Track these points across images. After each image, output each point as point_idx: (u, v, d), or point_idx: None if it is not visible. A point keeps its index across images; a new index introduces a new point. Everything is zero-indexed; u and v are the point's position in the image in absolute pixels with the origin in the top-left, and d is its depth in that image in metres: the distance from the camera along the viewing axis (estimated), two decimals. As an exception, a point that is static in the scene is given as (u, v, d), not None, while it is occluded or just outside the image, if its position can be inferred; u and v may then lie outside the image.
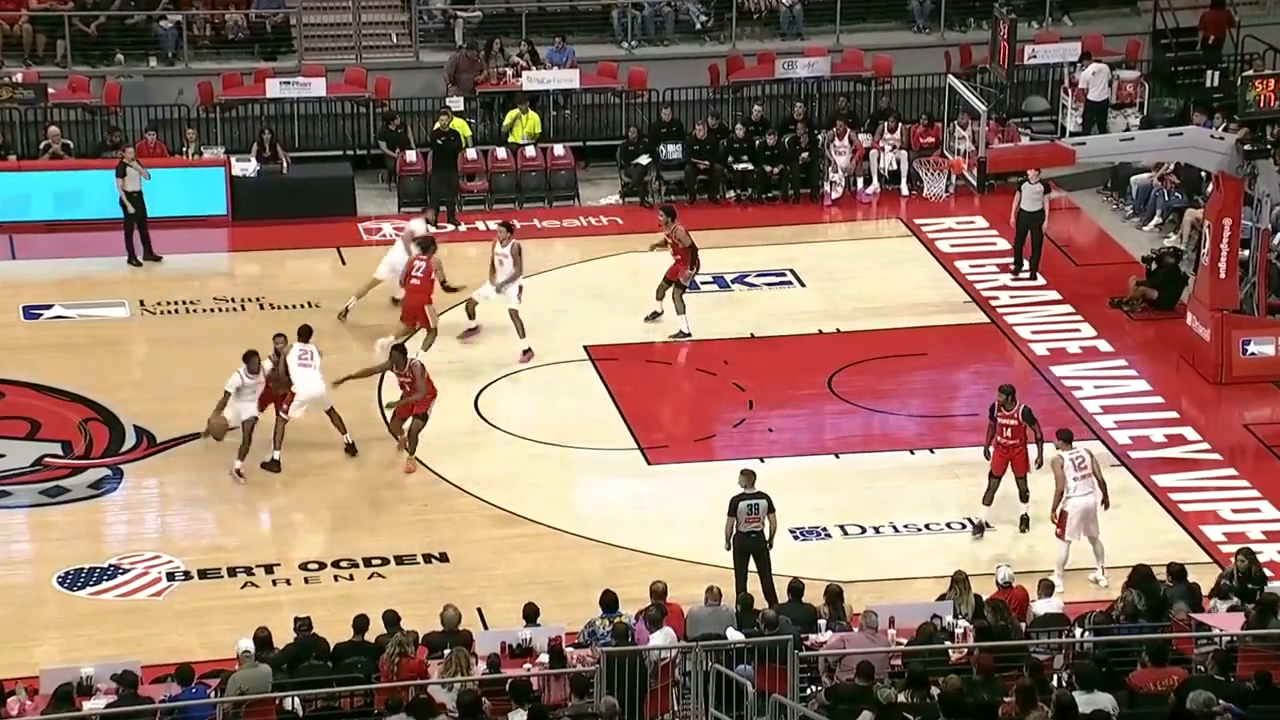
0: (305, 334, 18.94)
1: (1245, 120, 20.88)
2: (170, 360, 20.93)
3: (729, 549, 16.15)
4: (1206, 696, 12.45)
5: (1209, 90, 26.30)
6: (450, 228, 24.30)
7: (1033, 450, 17.22)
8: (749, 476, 16.37)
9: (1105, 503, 16.55)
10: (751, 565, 16.14)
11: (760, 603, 15.43)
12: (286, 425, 18.34)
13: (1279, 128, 23.21)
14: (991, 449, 17.36)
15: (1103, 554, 16.50)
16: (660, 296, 21.15)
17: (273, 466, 18.29)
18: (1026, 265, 22.55)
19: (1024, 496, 17.29)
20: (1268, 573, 15.80)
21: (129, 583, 16.73)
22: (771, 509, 16.16)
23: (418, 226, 21.52)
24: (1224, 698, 12.58)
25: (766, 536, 16.17)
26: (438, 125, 24.55)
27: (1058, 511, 16.47)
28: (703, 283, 22.83)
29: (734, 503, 16.15)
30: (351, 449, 18.59)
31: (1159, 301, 21.96)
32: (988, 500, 17.32)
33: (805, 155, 25.22)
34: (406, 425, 18.27)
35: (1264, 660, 13.58)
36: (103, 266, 23.02)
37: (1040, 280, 22.47)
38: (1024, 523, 17.31)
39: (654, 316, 21.26)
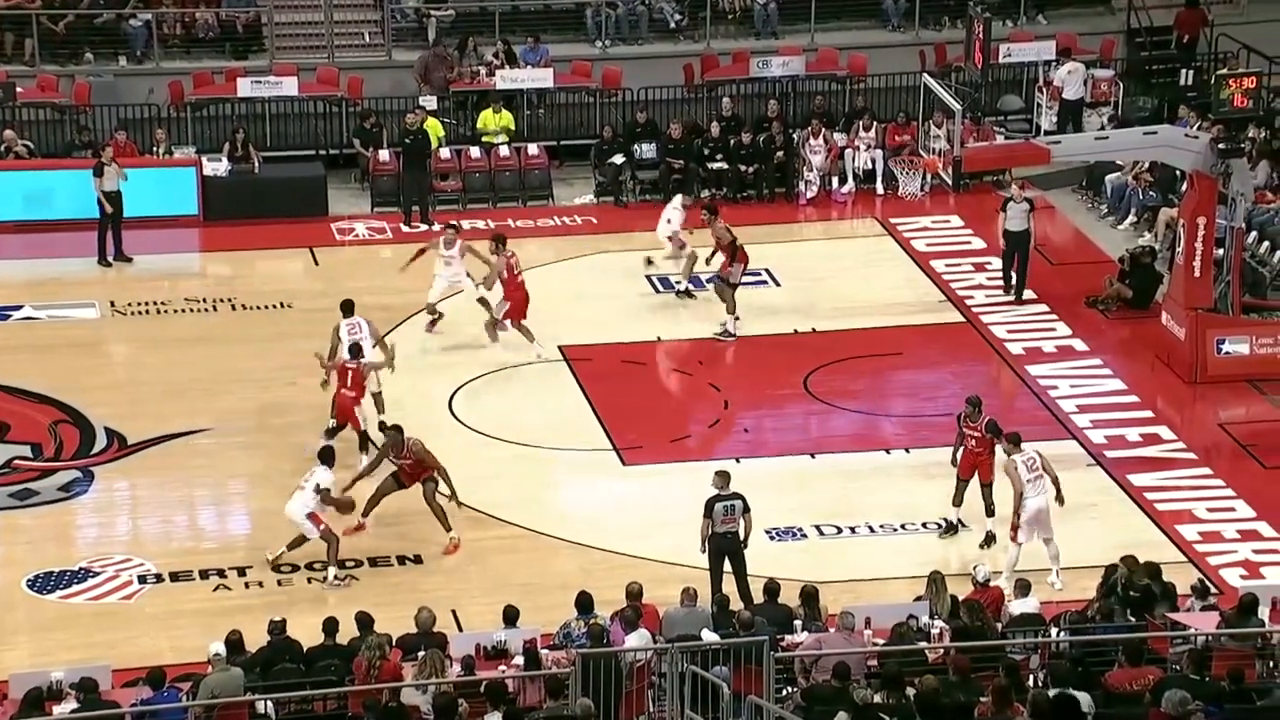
0: (348, 308, 19.08)
1: (1219, 119, 20.96)
2: (141, 361, 20.86)
3: (704, 550, 16.15)
4: (1182, 696, 12.50)
5: (1183, 89, 26.42)
6: (423, 227, 24.27)
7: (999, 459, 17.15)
8: (724, 477, 16.38)
9: (1060, 499, 16.51)
10: (727, 566, 16.14)
11: (736, 604, 15.43)
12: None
13: (1266, 130, 23.31)
14: (959, 455, 17.36)
15: (1058, 556, 16.46)
16: (723, 300, 21.13)
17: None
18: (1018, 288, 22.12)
19: (990, 510, 17.24)
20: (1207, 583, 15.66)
21: (99, 586, 16.66)
22: (747, 510, 16.17)
23: (677, 215, 21.94)
24: (1199, 697, 12.64)
25: (742, 538, 16.18)
26: (406, 124, 24.52)
27: (1015, 515, 16.47)
28: (677, 282, 22.84)
29: (709, 504, 16.16)
30: (365, 437, 18.20)
31: (1134, 300, 22.03)
32: (957, 501, 17.36)
33: (780, 154, 25.24)
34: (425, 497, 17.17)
35: (1239, 659, 13.64)
36: (73, 267, 22.93)
37: (1030, 295, 22.08)
38: (989, 539, 17.24)
39: (724, 334, 21.15)
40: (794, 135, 25.49)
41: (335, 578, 16.63)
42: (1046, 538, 16.47)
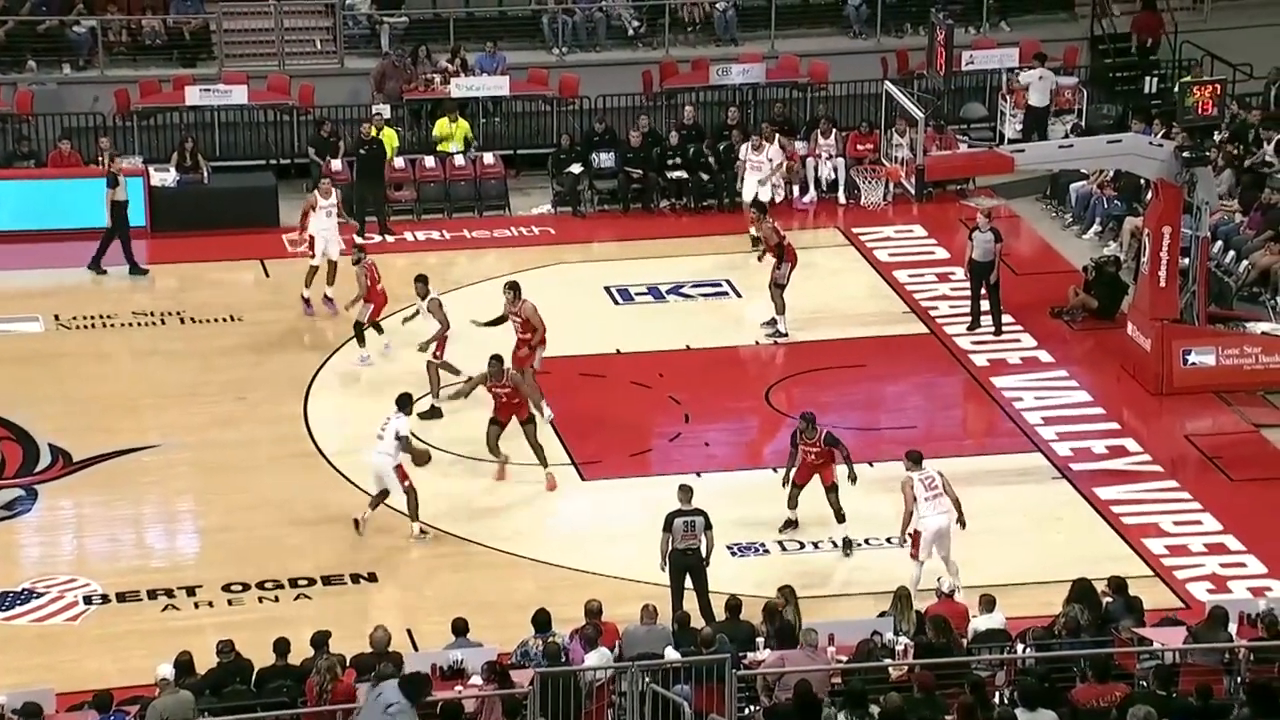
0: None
1: (1185, 127, 21.12)
2: (87, 376, 20.74)
3: (665, 567, 16.16)
4: (1147, 711, 12.58)
5: (1147, 97, 26.62)
6: (378, 239, 24.19)
7: (842, 469, 17.22)
8: (687, 492, 16.40)
9: (961, 522, 16.43)
10: (688, 583, 16.15)
11: (697, 621, 15.44)
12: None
13: (1238, 144, 23.41)
14: (792, 474, 17.36)
15: (957, 573, 16.34)
16: (780, 307, 21.42)
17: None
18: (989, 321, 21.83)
19: (840, 516, 17.30)
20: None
21: (44, 607, 16.54)
22: (708, 526, 16.18)
23: None
24: (1166, 713, 12.71)
25: (704, 555, 16.19)
26: (361, 133, 24.46)
27: (909, 532, 16.42)
28: (637, 293, 22.88)
29: (670, 519, 16.17)
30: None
31: (1099, 311, 22.16)
32: (792, 504, 17.42)
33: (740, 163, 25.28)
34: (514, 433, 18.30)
35: (1206, 675, 13.73)
36: (16, 280, 22.79)
37: (1016, 323, 21.85)
38: (846, 546, 17.32)
39: (777, 334, 21.48)
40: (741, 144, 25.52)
41: (421, 531, 17.17)
42: (944, 556, 16.38)
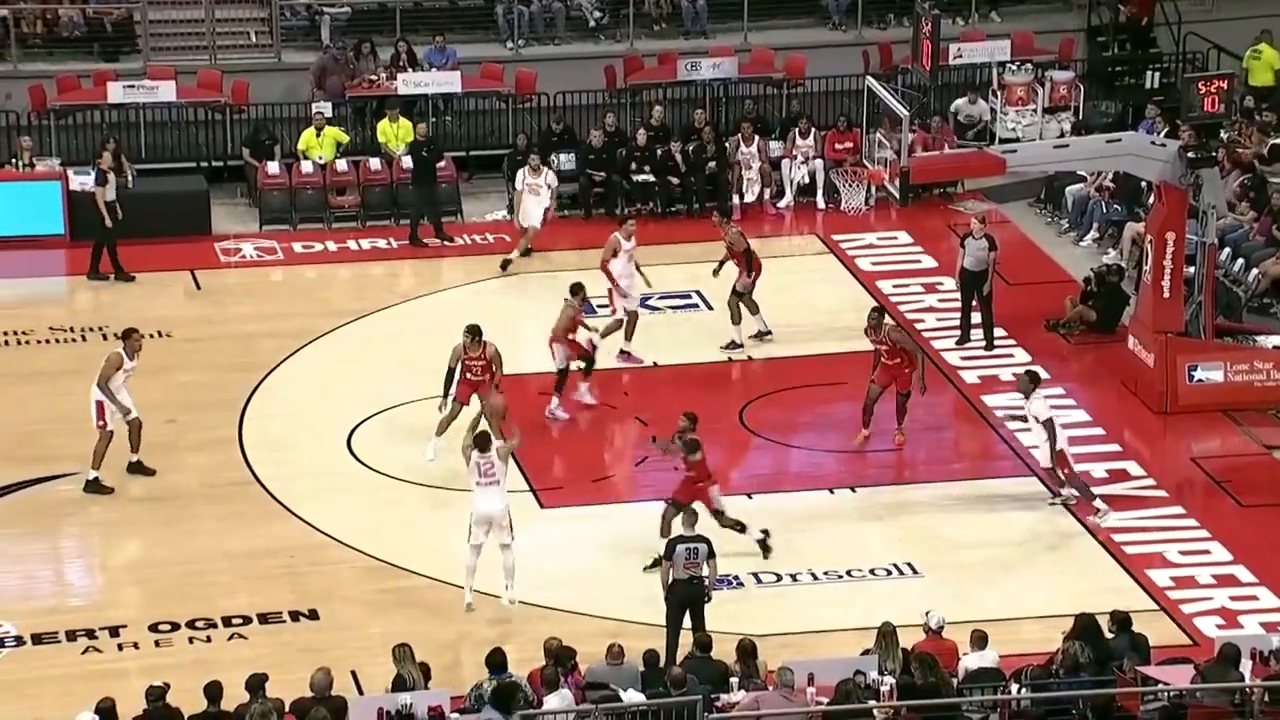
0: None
1: (1190, 124, 21.21)
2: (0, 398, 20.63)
3: (667, 598, 16.07)
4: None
5: (1149, 92, 26.77)
6: (438, 242, 24.07)
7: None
8: (692, 517, 16.42)
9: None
10: (686, 621, 16.04)
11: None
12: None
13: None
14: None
15: (512, 571, 16.51)
16: (730, 311, 21.63)
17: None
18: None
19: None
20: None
21: (-48, 651, 16.47)
22: (711, 555, 16.15)
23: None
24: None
25: (707, 585, 16.14)
26: (418, 135, 24.35)
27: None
28: (600, 305, 22.88)
29: (670, 546, 16.14)
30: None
31: (1098, 324, 22.26)
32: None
33: (712, 165, 25.35)
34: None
35: (1216, 717, 13.77)
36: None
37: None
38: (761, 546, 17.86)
39: (732, 345, 21.64)
40: (726, 143, 25.62)
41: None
42: (504, 543, 16.56)
